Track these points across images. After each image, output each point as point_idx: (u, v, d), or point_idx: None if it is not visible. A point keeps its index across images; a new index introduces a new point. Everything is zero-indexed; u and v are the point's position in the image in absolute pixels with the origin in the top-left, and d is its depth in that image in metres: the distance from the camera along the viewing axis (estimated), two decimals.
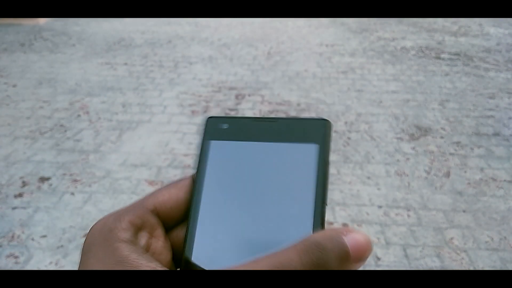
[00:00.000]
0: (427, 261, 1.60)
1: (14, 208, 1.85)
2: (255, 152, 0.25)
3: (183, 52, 3.89)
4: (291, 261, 0.19)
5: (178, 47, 4.03)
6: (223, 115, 0.26)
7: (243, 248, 0.23)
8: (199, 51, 3.93)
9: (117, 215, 0.22)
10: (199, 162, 0.25)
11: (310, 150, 0.25)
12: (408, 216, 1.83)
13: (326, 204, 0.24)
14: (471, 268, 1.56)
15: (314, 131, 0.25)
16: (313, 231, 0.22)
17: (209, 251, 0.23)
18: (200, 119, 2.65)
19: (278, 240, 0.23)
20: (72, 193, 1.94)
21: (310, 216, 0.23)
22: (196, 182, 0.25)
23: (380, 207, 1.88)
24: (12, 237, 1.68)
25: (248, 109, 2.78)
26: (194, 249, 0.23)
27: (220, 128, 0.26)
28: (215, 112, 2.75)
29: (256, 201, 0.24)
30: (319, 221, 0.23)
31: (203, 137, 0.26)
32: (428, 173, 2.13)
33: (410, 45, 4.14)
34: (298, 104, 2.86)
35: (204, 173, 0.25)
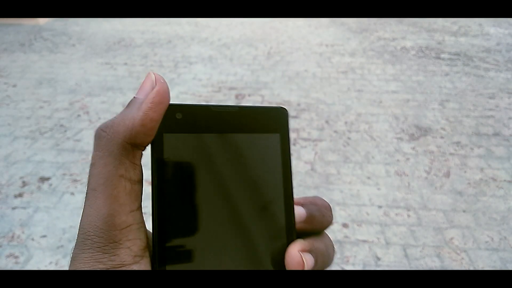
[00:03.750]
0: (427, 261, 1.60)
1: (14, 208, 1.85)
2: (213, 144, 0.23)
3: (183, 52, 3.89)
4: None
5: (178, 47, 4.03)
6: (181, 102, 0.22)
7: (216, 250, 0.22)
8: (199, 51, 3.93)
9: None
10: (153, 160, 0.22)
11: (272, 140, 0.24)
12: (408, 216, 1.83)
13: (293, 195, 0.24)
14: (471, 268, 1.56)
15: (274, 120, 0.24)
16: (286, 222, 0.23)
17: (180, 256, 0.21)
18: None
19: (252, 239, 0.23)
20: (72, 193, 1.94)
21: (282, 209, 0.23)
22: (153, 183, 0.22)
23: (380, 207, 1.88)
24: (12, 237, 1.68)
25: None
26: (164, 256, 0.21)
27: (175, 118, 0.22)
28: None
29: (222, 199, 0.22)
30: (291, 213, 0.23)
31: (157, 130, 0.22)
32: (428, 173, 2.13)
33: (410, 45, 4.14)
34: (298, 104, 2.86)
35: (160, 173, 0.22)
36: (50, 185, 2.00)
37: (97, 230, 0.19)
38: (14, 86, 3.09)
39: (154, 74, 0.22)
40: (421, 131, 2.53)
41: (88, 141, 2.38)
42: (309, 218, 0.23)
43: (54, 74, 3.31)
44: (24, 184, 2.00)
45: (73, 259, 0.20)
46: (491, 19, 5.09)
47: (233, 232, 0.22)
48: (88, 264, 0.19)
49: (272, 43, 4.18)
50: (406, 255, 1.62)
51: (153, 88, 0.21)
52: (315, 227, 0.24)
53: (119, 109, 2.76)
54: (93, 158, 0.20)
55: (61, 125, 2.54)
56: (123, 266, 0.19)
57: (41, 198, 1.91)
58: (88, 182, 0.20)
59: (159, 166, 0.21)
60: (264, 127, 0.24)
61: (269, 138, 0.24)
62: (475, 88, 3.14)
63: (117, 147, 0.20)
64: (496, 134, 2.49)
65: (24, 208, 1.85)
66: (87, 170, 2.14)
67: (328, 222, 0.24)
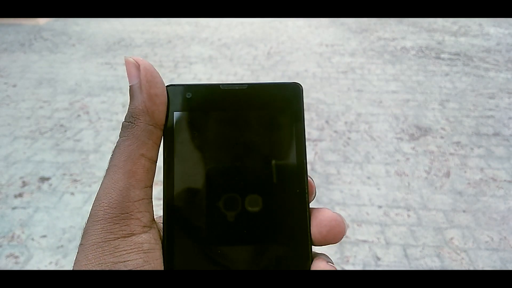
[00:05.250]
0: (427, 261, 1.60)
1: (14, 208, 1.85)
2: (223, 122, 0.22)
3: (183, 52, 3.89)
4: None
5: (178, 47, 4.03)
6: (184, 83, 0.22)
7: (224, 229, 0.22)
8: (199, 51, 3.93)
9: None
10: (165, 138, 0.22)
11: (285, 116, 0.23)
12: (408, 216, 1.83)
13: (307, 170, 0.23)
14: (471, 268, 1.56)
15: (287, 97, 0.23)
16: (305, 203, 0.22)
17: (193, 247, 0.21)
18: None
19: (269, 215, 0.22)
20: (72, 193, 1.94)
21: (298, 187, 0.22)
22: (165, 161, 0.22)
23: (380, 207, 1.88)
24: (12, 237, 1.68)
25: None
26: (176, 245, 0.22)
27: (183, 96, 0.23)
28: None
29: (238, 177, 0.22)
30: (306, 193, 0.23)
31: (168, 109, 0.23)
32: (428, 173, 2.13)
33: (410, 45, 4.14)
34: None
35: (172, 152, 0.22)
36: (50, 185, 2.00)
37: (111, 201, 0.20)
38: (14, 86, 3.09)
39: (130, 57, 0.22)
40: (421, 131, 2.53)
41: (88, 141, 2.38)
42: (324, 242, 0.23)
43: (54, 74, 3.31)
44: (24, 184, 2.00)
45: (84, 233, 0.21)
46: (491, 19, 5.09)
47: (242, 213, 0.22)
48: (99, 235, 0.20)
49: (272, 43, 4.18)
50: (406, 255, 1.62)
51: (137, 69, 0.22)
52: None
53: (119, 109, 2.77)
54: (118, 142, 0.22)
55: (61, 125, 2.54)
56: (133, 235, 0.21)
57: (41, 198, 1.91)
58: (110, 159, 0.22)
59: (170, 143, 0.22)
60: (276, 104, 0.23)
61: (282, 115, 0.23)
62: (475, 88, 3.14)
63: (140, 130, 0.22)
64: (496, 134, 2.49)
65: (24, 208, 1.85)
66: (87, 170, 2.14)
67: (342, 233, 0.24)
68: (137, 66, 0.22)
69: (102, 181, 0.22)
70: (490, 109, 2.81)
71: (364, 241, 1.68)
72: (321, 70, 3.46)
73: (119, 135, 0.22)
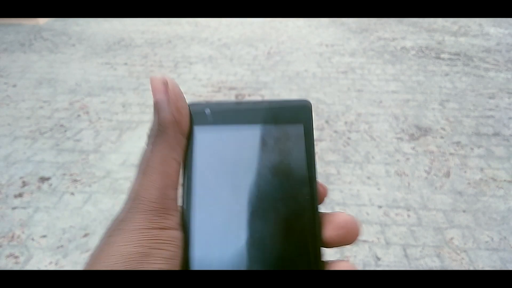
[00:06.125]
0: (427, 261, 1.60)
1: (14, 208, 1.85)
2: (242, 135, 0.25)
3: (183, 52, 3.89)
4: None
5: (178, 47, 4.03)
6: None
7: (246, 240, 0.23)
8: (199, 51, 3.93)
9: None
10: (185, 151, 0.25)
11: (296, 131, 0.25)
12: (408, 216, 1.83)
13: (317, 180, 0.25)
14: (471, 268, 1.56)
15: (297, 112, 0.26)
16: (315, 209, 0.24)
17: (212, 249, 0.23)
18: None
19: (279, 226, 0.23)
20: (72, 193, 1.94)
21: (308, 194, 0.24)
22: (185, 170, 0.24)
23: (380, 207, 1.88)
24: (12, 237, 1.68)
25: None
26: (196, 248, 0.23)
27: (203, 113, 0.25)
28: None
29: (252, 187, 0.24)
30: (316, 200, 0.24)
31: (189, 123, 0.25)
32: (428, 173, 2.13)
33: (410, 45, 4.14)
34: None
35: (192, 162, 0.24)
36: (50, 185, 2.00)
37: (152, 196, 0.22)
38: (14, 86, 3.09)
39: (157, 76, 0.25)
40: (421, 131, 2.53)
41: (88, 141, 2.38)
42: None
43: (54, 74, 3.31)
44: (24, 184, 2.00)
45: (121, 221, 0.22)
46: (491, 19, 5.09)
47: (258, 221, 0.23)
48: (141, 223, 0.22)
49: (272, 43, 4.18)
50: (406, 255, 1.62)
51: (165, 85, 0.24)
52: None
53: (119, 109, 2.77)
54: (148, 147, 0.24)
55: (61, 125, 2.54)
56: (169, 230, 0.22)
57: (41, 198, 1.91)
58: (143, 162, 0.24)
59: (190, 155, 0.24)
60: (288, 119, 0.25)
61: (293, 129, 0.25)
62: (475, 88, 3.14)
63: (171, 137, 0.24)
64: (496, 134, 2.49)
65: (24, 208, 1.85)
66: (87, 170, 2.14)
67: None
68: (165, 82, 0.24)
69: (137, 181, 0.23)
70: (490, 109, 2.81)
71: (364, 241, 1.68)
72: (321, 70, 3.46)
73: (148, 143, 0.24)
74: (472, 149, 2.34)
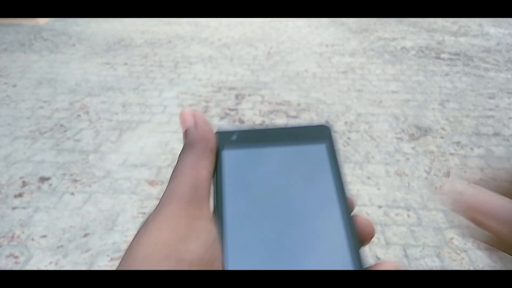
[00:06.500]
0: (427, 261, 1.60)
1: (14, 208, 1.85)
2: (268, 157, 0.27)
3: (183, 52, 3.89)
4: None
5: (178, 47, 4.03)
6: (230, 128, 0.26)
7: (278, 257, 0.23)
8: (199, 51, 3.93)
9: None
10: (215, 174, 0.27)
11: (320, 150, 0.27)
12: (408, 216, 1.83)
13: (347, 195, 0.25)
14: (471, 268, 1.56)
15: (320, 134, 0.28)
16: (345, 229, 0.24)
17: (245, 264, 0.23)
18: None
19: (310, 243, 0.23)
20: (72, 193, 1.94)
21: (338, 213, 0.24)
22: (215, 193, 0.26)
23: (380, 207, 1.88)
24: (12, 237, 1.68)
25: (248, 109, 2.78)
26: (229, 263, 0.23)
27: (229, 139, 0.28)
28: (215, 112, 2.75)
29: (281, 207, 0.25)
30: (349, 216, 0.24)
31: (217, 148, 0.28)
32: (428, 173, 2.13)
33: (410, 45, 4.14)
34: (298, 104, 2.86)
35: (222, 184, 0.26)
36: (50, 185, 2.00)
37: (185, 189, 0.24)
38: (14, 86, 3.09)
39: (186, 110, 0.29)
40: (421, 131, 2.53)
41: (88, 141, 2.38)
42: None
43: (54, 74, 3.31)
44: (24, 184, 2.00)
45: (157, 213, 0.23)
46: (491, 19, 5.09)
47: (291, 233, 0.24)
48: (175, 212, 0.23)
49: (272, 43, 4.18)
50: (406, 255, 1.62)
51: (192, 116, 0.28)
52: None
53: (119, 109, 2.77)
54: (179, 159, 0.26)
55: (61, 125, 2.54)
56: (204, 220, 0.23)
57: (41, 198, 1.91)
58: (175, 170, 0.26)
59: (220, 174, 0.26)
60: (311, 139, 0.27)
61: (317, 148, 0.27)
62: (475, 88, 3.14)
63: (199, 150, 0.26)
64: (496, 134, 2.49)
65: (24, 208, 1.85)
66: (87, 170, 2.14)
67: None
68: (192, 114, 0.28)
69: (168, 185, 0.25)
70: (490, 109, 2.81)
71: None
72: (321, 70, 3.46)
73: (179, 156, 0.27)
74: (472, 149, 2.34)
